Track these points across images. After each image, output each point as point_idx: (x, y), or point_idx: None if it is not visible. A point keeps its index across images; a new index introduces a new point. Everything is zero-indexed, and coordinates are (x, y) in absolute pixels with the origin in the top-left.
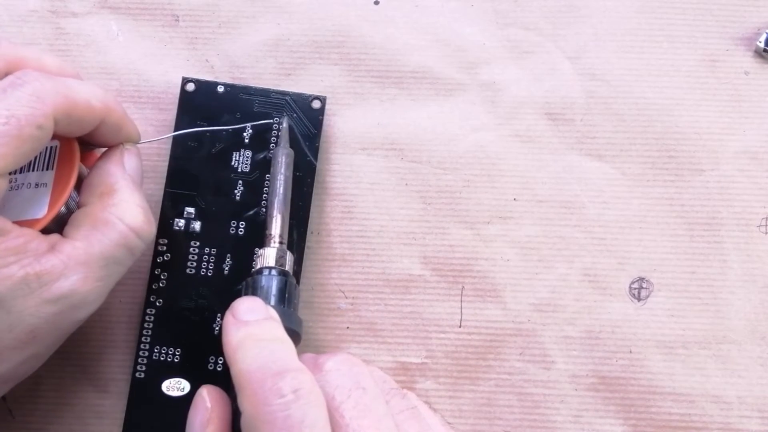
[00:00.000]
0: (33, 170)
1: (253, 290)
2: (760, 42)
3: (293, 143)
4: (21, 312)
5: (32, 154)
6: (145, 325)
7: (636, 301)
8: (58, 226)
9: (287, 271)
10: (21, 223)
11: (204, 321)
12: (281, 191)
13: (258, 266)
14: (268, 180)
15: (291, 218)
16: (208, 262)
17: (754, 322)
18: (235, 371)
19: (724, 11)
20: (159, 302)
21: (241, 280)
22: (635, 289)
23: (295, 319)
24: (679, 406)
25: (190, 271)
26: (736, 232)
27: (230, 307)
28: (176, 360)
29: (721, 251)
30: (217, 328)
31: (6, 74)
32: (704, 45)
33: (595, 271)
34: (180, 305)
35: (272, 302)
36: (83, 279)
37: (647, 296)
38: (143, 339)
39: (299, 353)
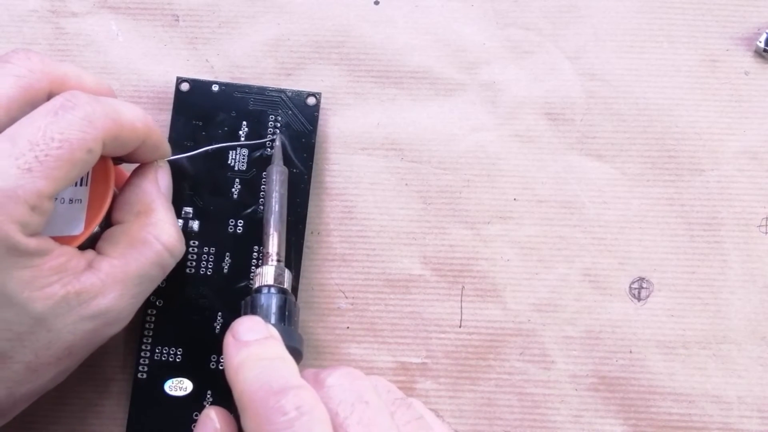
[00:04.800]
0: None
1: (253, 309)
2: (760, 42)
3: (289, 145)
4: (60, 330)
5: (79, 177)
6: (146, 326)
7: (636, 301)
8: (89, 242)
9: (286, 289)
10: (57, 240)
11: (205, 320)
12: (276, 209)
13: (257, 285)
14: (264, 178)
15: (289, 216)
16: (207, 261)
17: (754, 322)
18: (237, 392)
19: (724, 11)
20: (159, 302)
21: (241, 278)
22: (635, 289)
23: (295, 336)
24: (679, 406)
25: (190, 270)
26: (736, 232)
27: (230, 328)
28: (178, 359)
29: (721, 251)
30: (218, 327)
31: (49, 92)
32: (704, 45)
33: (595, 271)
34: (180, 305)
35: (272, 320)
36: (119, 296)
37: (647, 296)
38: (144, 339)
39: (300, 369)
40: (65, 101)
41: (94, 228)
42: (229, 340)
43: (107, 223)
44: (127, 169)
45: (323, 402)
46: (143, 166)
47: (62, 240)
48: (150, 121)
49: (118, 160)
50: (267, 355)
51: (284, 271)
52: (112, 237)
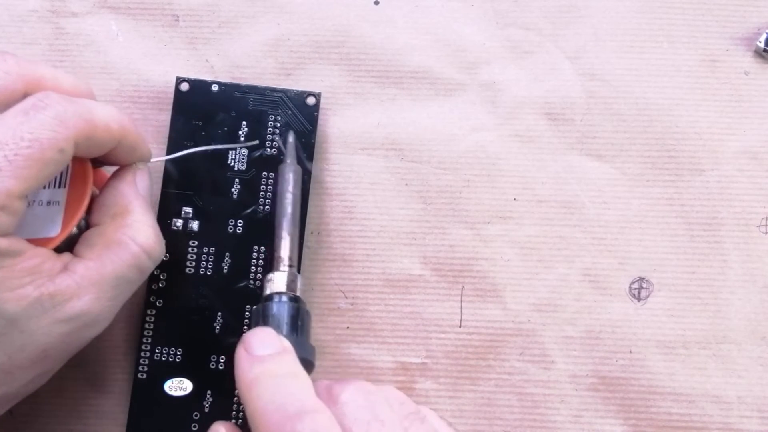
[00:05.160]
0: (45, 188)
1: (264, 319)
2: (760, 42)
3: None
4: (34, 332)
5: (51, 177)
6: (146, 326)
7: (636, 301)
8: (67, 245)
9: (299, 297)
10: (33, 242)
11: (205, 320)
12: (289, 210)
13: (267, 292)
14: (264, 178)
15: None
16: (207, 261)
17: (754, 322)
18: (250, 410)
19: (724, 11)
20: (159, 302)
21: (241, 278)
22: (635, 289)
23: (308, 347)
24: (679, 406)
25: (190, 270)
26: (736, 232)
27: (242, 340)
28: (178, 360)
29: (721, 251)
30: (218, 327)
31: (24, 94)
32: (704, 45)
33: (595, 271)
34: (180, 305)
35: (284, 331)
36: (95, 299)
37: (647, 296)
38: (144, 339)
39: (312, 378)
40: (37, 101)
41: (71, 230)
42: (241, 354)
43: (87, 225)
44: (109, 172)
45: (338, 419)
46: (122, 168)
47: (38, 242)
48: (126, 122)
49: (98, 162)
50: (281, 372)
51: (297, 278)
52: (89, 239)
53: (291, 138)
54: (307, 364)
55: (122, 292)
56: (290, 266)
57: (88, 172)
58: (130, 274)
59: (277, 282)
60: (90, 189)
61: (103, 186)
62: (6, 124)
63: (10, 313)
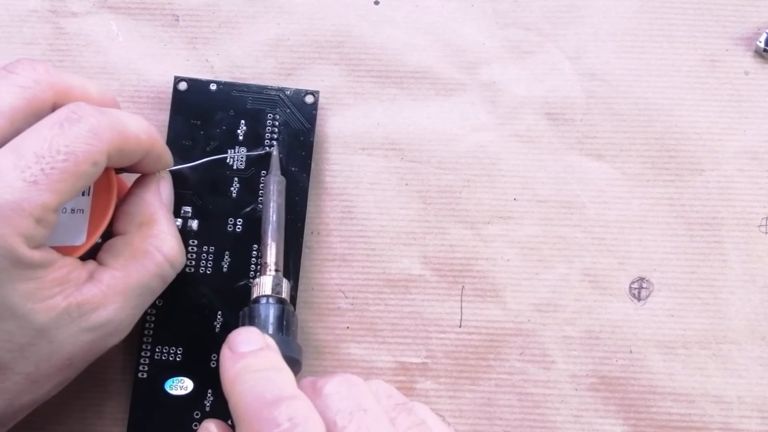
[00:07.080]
0: None
1: (250, 320)
2: (760, 42)
3: (288, 144)
4: (61, 341)
5: (83, 189)
6: (146, 325)
7: (636, 301)
8: (90, 252)
9: (284, 299)
10: (59, 249)
11: (205, 319)
12: (274, 218)
13: (254, 295)
14: (263, 177)
15: (288, 215)
16: (206, 260)
17: (754, 322)
18: (232, 404)
19: (724, 11)
20: (159, 302)
21: (241, 276)
22: (635, 289)
23: (293, 346)
24: (679, 406)
25: (190, 269)
26: (736, 232)
27: (227, 340)
28: (178, 359)
29: (721, 251)
30: (218, 326)
31: (54, 103)
32: (704, 45)
33: (595, 271)
34: (180, 304)
35: (270, 331)
36: (120, 308)
37: (647, 296)
38: (144, 339)
39: (300, 376)
40: (70, 113)
41: (97, 239)
42: (225, 352)
43: (108, 233)
44: (127, 178)
45: (321, 411)
46: (145, 176)
47: (64, 250)
48: (153, 132)
49: (120, 170)
50: (262, 366)
51: (282, 281)
52: (114, 248)
53: (275, 152)
54: (293, 363)
55: (145, 301)
56: (276, 271)
57: (112, 180)
58: (154, 284)
59: (263, 285)
60: (114, 198)
61: (127, 194)
62: (42, 137)
63: (40, 324)
